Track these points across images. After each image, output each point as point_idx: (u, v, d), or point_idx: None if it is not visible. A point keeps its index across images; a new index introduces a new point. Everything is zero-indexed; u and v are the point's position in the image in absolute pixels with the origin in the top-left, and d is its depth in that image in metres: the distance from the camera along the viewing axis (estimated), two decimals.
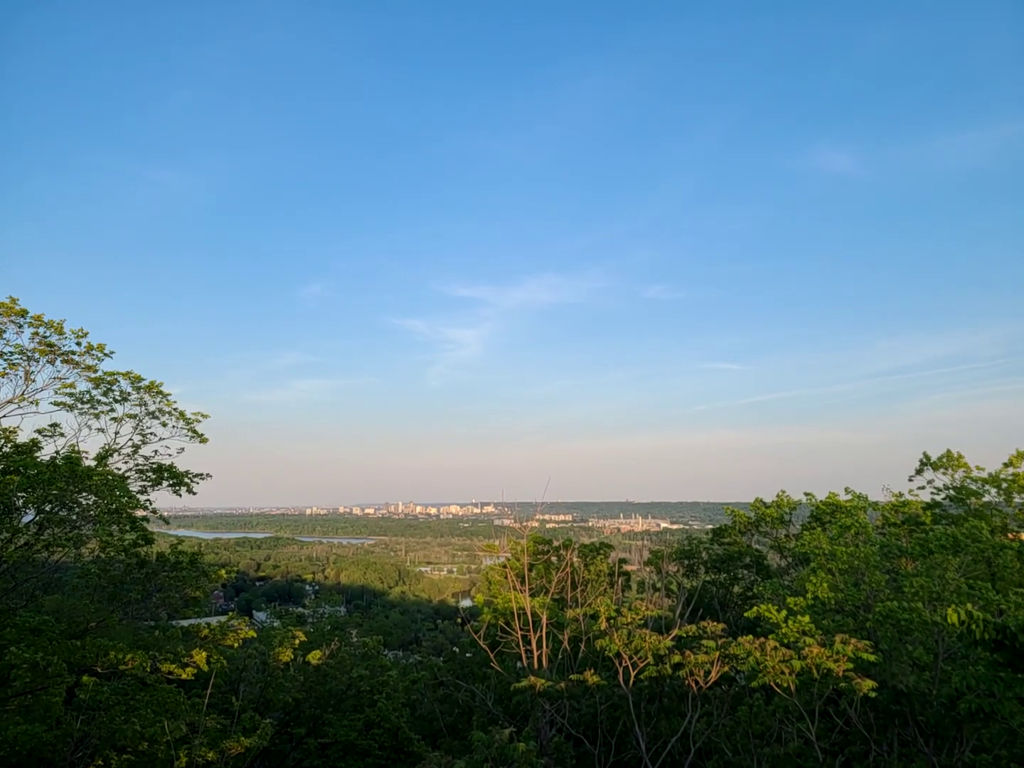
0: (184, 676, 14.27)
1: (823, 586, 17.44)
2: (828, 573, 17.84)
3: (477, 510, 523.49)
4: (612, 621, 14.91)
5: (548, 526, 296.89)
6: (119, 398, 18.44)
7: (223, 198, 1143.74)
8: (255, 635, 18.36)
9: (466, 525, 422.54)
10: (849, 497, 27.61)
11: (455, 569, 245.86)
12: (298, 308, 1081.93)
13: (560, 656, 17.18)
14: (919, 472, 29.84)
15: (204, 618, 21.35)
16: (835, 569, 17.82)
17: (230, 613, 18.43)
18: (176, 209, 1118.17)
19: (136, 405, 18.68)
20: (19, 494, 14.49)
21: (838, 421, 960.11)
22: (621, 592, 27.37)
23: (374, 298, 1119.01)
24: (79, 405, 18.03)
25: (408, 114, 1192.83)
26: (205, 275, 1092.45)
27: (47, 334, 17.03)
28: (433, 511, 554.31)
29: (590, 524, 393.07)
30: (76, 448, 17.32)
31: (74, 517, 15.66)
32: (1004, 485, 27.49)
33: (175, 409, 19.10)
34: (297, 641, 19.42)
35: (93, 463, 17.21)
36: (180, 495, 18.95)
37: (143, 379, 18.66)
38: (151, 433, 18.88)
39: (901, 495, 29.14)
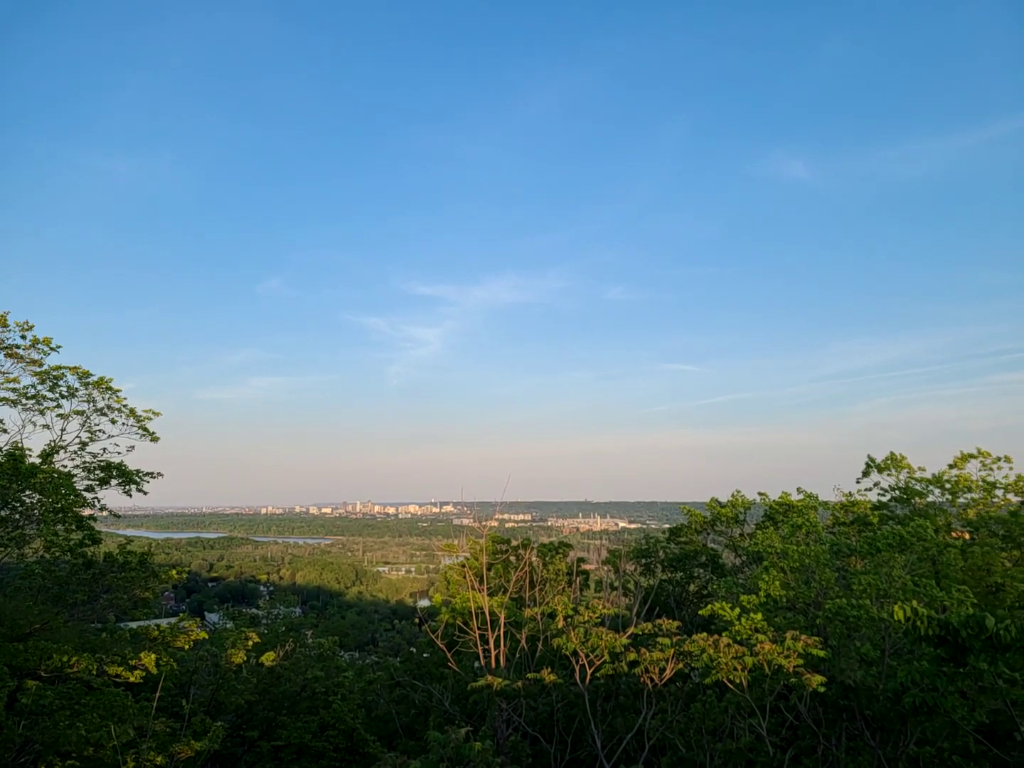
0: (132, 679, 13.92)
1: (775, 584, 17.82)
2: (780, 571, 18.23)
3: (436, 509, 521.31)
4: (569, 620, 15.01)
5: (507, 525, 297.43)
6: (66, 394, 17.88)
7: (176, 188, 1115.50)
8: (207, 637, 18.00)
9: (425, 524, 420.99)
10: (801, 497, 28.26)
11: (413, 569, 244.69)
12: (255, 303, 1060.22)
13: (518, 655, 17.22)
14: (865, 474, 30.75)
15: (154, 620, 20.85)
16: (787, 567, 18.21)
17: (181, 615, 18.01)
18: (127, 198, 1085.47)
19: (84, 401, 18.14)
20: None
21: (791, 422, 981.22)
22: (579, 591, 27.54)
23: (334, 295, 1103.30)
24: (23, 400, 17.44)
25: (368, 105, 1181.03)
26: (158, 268, 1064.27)
27: None
28: (391, 511, 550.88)
29: (549, 524, 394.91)
30: (19, 445, 16.75)
31: (17, 516, 15.16)
32: (948, 486, 28.48)
33: (125, 406, 18.60)
34: (250, 643, 19.06)
35: (38, 460, 16.65)
36: (131, 495, 18.48)
37: (91, 374, 18.13)
38: (100, 430, 18.36)
39: (851, 495, 29.98)
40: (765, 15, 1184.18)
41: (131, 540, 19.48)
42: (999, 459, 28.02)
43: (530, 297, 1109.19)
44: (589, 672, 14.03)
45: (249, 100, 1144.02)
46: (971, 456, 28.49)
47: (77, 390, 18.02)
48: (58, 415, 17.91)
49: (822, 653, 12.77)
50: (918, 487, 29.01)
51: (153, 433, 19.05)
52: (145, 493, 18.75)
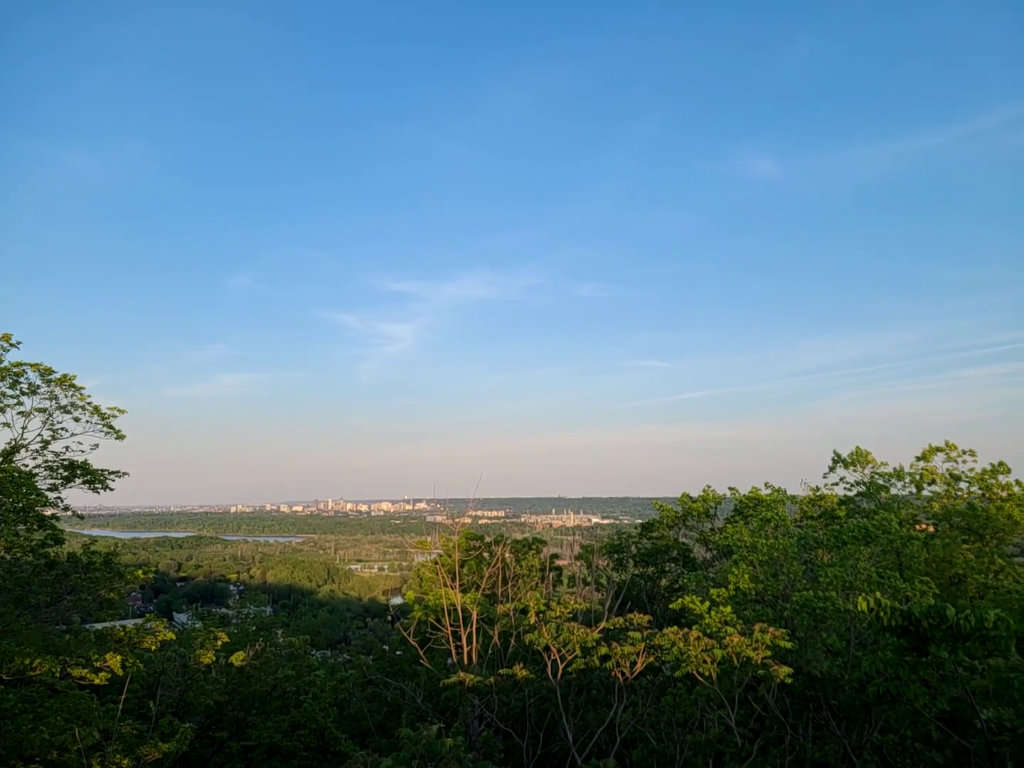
0: (97, 681, 13.65)
1: (744, 577, 18.07)
2: (749, 565, 18.49)
3: (409, 507, 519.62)
4: (542, 615, 15.07)
5: (481, 522, 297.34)
6: (27, 391, 17.43)
7: (144, 184, 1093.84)
8: (174, 637, 17.71)
9: (398, 522, 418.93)
10: (770, 492, 28.67)
11: (386, 566, 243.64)
12: (224, 300, 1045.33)
13: (490, 651, 17.24)
14: (832, 469, 31.33)
15: (120, 621, 20.48)
16: (756, 561, 18.48)
17: (148, 615, 17.69)
18: (91, 192, 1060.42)
19: (46, 399, 17.70)
20: None
21: (761, 418, 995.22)
22: (552, 587, 27.65)
23: (304, 290, 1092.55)
24: None
25: (340, 102, 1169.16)
26: (123, 263, 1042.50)
27: None
28: (364, 508, 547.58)
29: (523, 520, 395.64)
30: None
31: None
32: (910, 479, 29.11)
33: (89, 403, 18.18)
34: (219, 642, 18.81)
35: None
36: (98, 491, 18.11)
37: (54, 371, 17.69)
38: (63, 428, 17.92)
39: (818, 489, 30.50)
40: (738, 13, 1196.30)
41: (96, 540, 19.06)
42: (964, 452, 28.71)
43: (502, 294, 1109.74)
44: (561, 667, 14.10)
45: (221, 98, 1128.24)
46: (939, 449, 29.16)
47: (39, 387, 17.58)
48: (19, 413, 17.46)
49: (789, 645, 12.99)
50: (881, 481, 29.62)
51: (119, 431, 18.67)
52: (111, 490, 18.38)
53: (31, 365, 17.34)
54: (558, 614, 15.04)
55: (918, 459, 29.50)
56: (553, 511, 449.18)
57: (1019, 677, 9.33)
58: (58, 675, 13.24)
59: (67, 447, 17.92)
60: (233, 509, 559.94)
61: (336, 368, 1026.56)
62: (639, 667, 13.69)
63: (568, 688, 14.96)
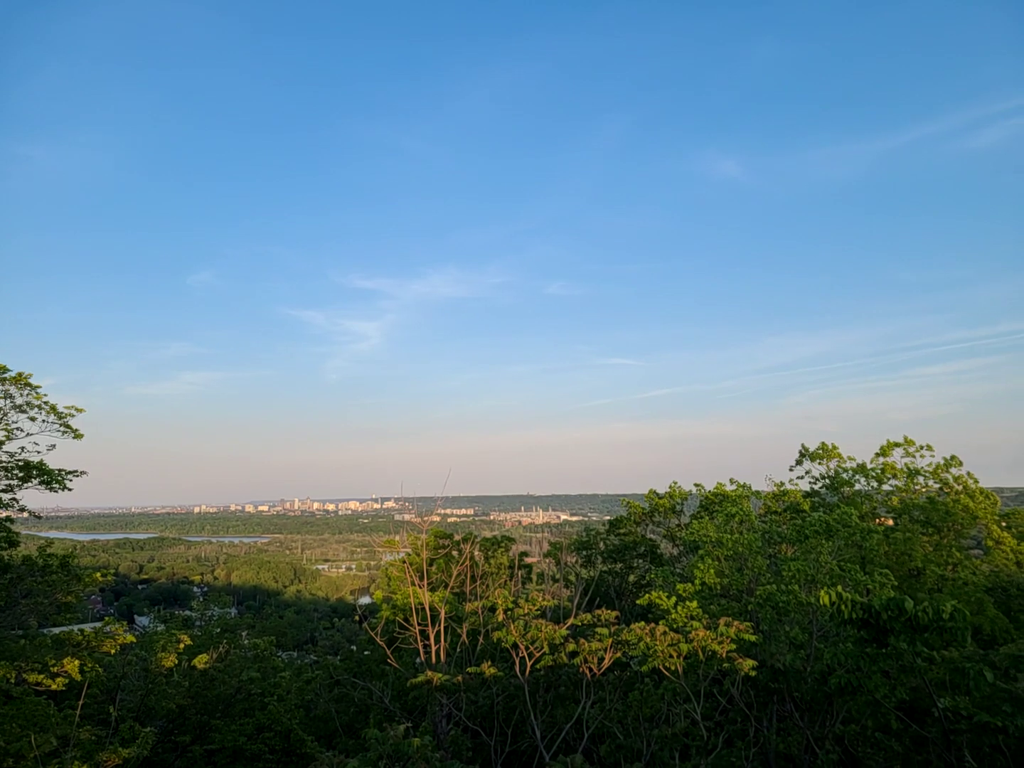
0: (54, 687, 13.34)
1: (710, 572, 18.29)
2: (715, 560, 18.72)
3: (377, 506, 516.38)
4: (509, 613, 15.05)
5: (450, 520, 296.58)
6: None
7: (101, 176, 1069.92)
8: (135, 640, 17.36)
9: (366, 521, 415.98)
10: (734, 487, 29.08)
11: (354, 566, 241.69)
12: (186, 296, 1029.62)
13: (459, 649, 17.20)
14: (799, 463, 31.91)
15: (79, 625, 19.99)
16: (721, 556, 18.72)
17: (107, 618, 17.31)
18: (49, 186, 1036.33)
19: (0, 398, 17.21)
20: None
21: (726, 415, 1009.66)
22: (522, 584, 27.70)
23: (268, 287, 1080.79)
24: None
25: (304, 99, 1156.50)
26: (81, 258, 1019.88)
27: None
28: (331, 508, 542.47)
29: (492, 518, 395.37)
30: None
31: None
32: (874, 474, 29.77)
33: (45, 403, 17.70)
34: (182, 645, 18.48)
35: None
36: (56, 491, 17.64)
37: (8, 369, 17.19)
38: (18, 428, 17.43)
39: (782, 484, 31.02)
40: (705, 12, 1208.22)
41: (52, 542, 18.63)
42: (921, 447, 29.45)
43: (470, 291, 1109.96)
44: (529, 664, 14.11)
45: (184, 92, 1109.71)
46: (897, 444, 29.87)
47: None
48: None
49: (753, 638, 13.18)
50: (845, 476, 30.24)
51: (76, 430, 18.21)
52: (69, 489, 17.93)
53: None
54: (526, 611, 15.05)
55: (878, 455, 30.18)
56: (522, 508, 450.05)
57: (974, 667, 9.59)
58: (13, 681, 12.93)
59: (22, 447, 17.44)
60: (196, 509, 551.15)
61: (302, 366, 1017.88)
62: (607, 663, 13.76)
63: (536, 685, 14.99)
